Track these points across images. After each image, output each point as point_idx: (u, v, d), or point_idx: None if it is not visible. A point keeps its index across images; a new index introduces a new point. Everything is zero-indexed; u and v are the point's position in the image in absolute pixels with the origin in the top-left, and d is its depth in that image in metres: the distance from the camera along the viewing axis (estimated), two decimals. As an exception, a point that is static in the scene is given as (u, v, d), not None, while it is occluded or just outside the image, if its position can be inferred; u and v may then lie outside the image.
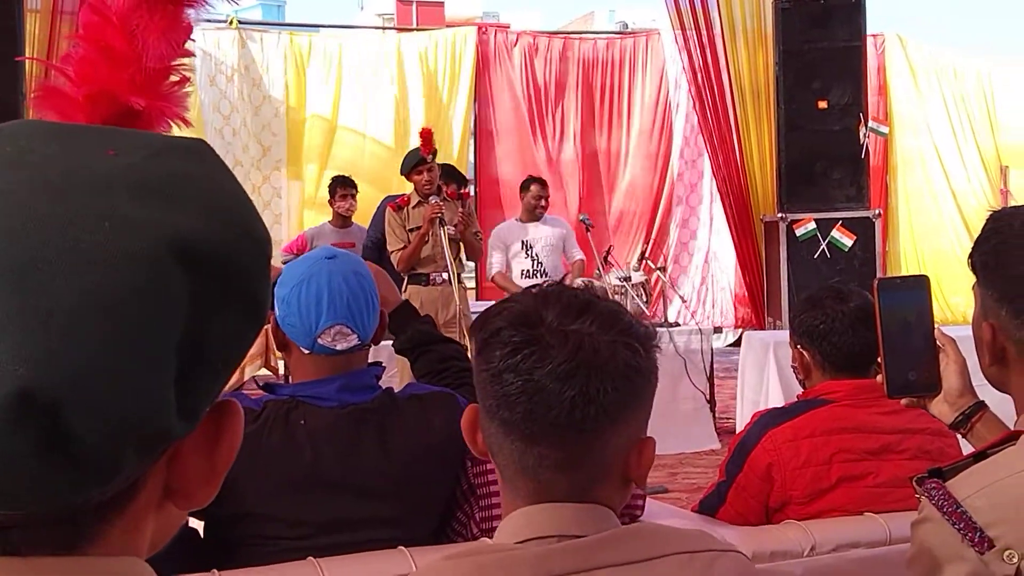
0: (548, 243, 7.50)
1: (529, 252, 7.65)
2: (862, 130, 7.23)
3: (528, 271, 7.61)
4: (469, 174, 10.77)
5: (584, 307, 1.25)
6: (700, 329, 7.25)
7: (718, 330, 10.32)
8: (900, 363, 1.79)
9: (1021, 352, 1.56)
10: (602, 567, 1.20)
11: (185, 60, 2.38)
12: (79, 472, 0.59)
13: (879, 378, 1.79)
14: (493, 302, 1.39)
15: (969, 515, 1.40)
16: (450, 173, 7.14)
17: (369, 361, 2.28)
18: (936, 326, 1.82)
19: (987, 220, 1.61)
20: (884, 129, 7.52)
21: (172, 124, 1.95)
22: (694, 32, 7.88)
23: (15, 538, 0.61)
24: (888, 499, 2.43)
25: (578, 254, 7.80)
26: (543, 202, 7.73)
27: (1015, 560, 1.35)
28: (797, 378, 2.72)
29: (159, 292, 0.60)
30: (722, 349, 10.82)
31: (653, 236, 11.79)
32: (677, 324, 7.59)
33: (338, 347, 2.13)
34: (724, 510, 2.59)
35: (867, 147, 7.29)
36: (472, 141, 11.35)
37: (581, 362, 1.20)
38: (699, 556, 1.26)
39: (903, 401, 1.84)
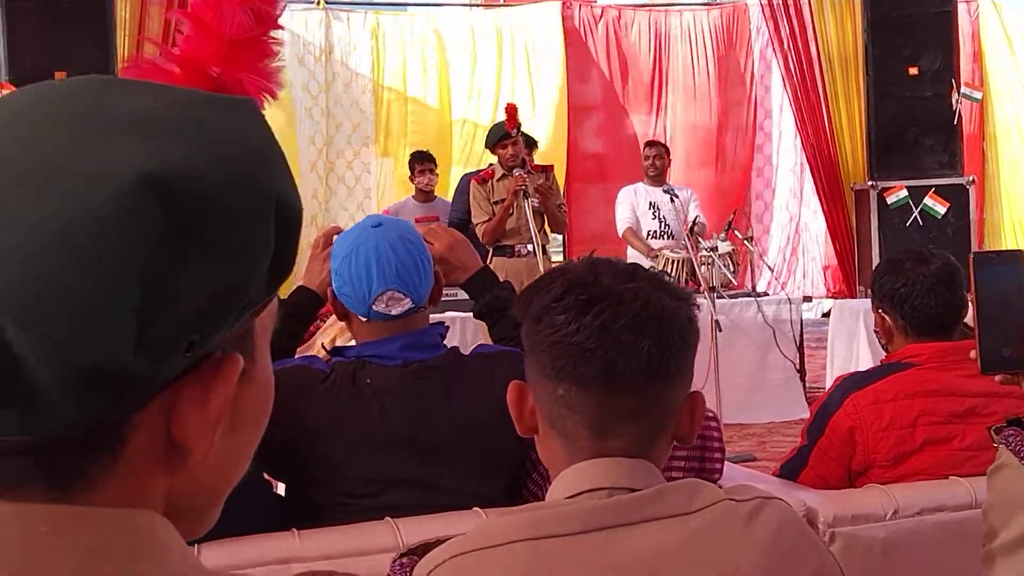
0: (673, 207, 7.49)
1: (656, 214, 7.75)
2: (954, 96, 7.08)
3: (655, 232, 7.74)
4: (562, 150, 10.76)
5: (633, 271, 1.32)
6: (789, 299, 7.17)
7: (807, 299, 10.19)
8: (995, 338, 1.76)
9: None
10: (652, 519, 1.23)
11: (274, 34, 2.42)
12: (32, 406, 0.58)
13: (972, 354, 1.76)
14: None
15: None
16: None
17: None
18: None
19: None
20: (977, 94, 7.35)
21: (262, 98, 1.99)
22: (781, 1, 7.77)
23: None
24: (974, 463, 2.40)
25: (699, 214, 7.83)
26: (656, 162, 7.83)
27: None
28: (880, 343, 2.70)
29: (122, 221, 0.58)
30: (814, 320, 10.69)
31: (742, 208, 11.66)
32: (766, 294, 7.53)
33: (393, 312, 2.17)
34: (805, 474, 2.58)
35: (960, 113, 7.14)
36: (565, 117, 11.26)
37: (651, 315, 1.26)
38: (743, 504, 1.28)
39: (997, 378, 1.81)
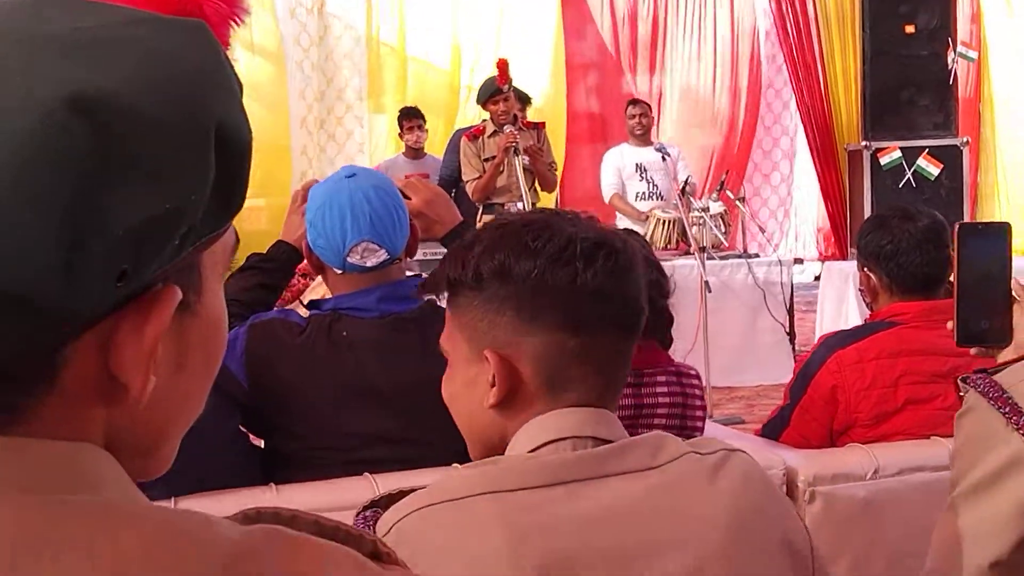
0: (660, 165, 7.43)
1: (644, 175, 7.68)
2: (950, 55, 7.02)
3: (643, 193, 7.67)
4: (560, 108, 10.69)
5: (579, 217, 1.34)
6: (780, 260, 7.12)
7: (799, 262, 10.16)
8: (974, 311, 1.72)
9: None
10: (615, 474, 1.22)
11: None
12: None
13: (949, 324, 1.73)
14: None
15: (1015, 400, 1.41)
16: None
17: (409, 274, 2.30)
18: (1014, 278, 1.76)
19: None
20: (973, 54, 7.29)
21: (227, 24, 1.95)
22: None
23: None
24: (956, 423, 2.38)
25: (689, 174, 7.78)
26: (642, 120, 7.77)
27: None
28: (865, 301, 2.68)
29: (49, 144, 0.56)
30: (806, 283, 10.67)
31: (735, 170, 11.60)
32: (756, 255, 7.49)
33: (368, 263, 2.15)
34: (787, 433, 2.57)
35: (955, 73, 7.08)
36: (563, 76, 11.16)
37: (632, 254, 1.30)
38: (708, 457, 1.28)
39: (972, 350, 1.78)
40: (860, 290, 2.70)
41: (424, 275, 2.51)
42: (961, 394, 1.47)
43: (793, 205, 12.06)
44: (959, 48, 7.09)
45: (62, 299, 0.57)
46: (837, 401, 2.48)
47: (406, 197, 2.36)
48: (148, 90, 0.60)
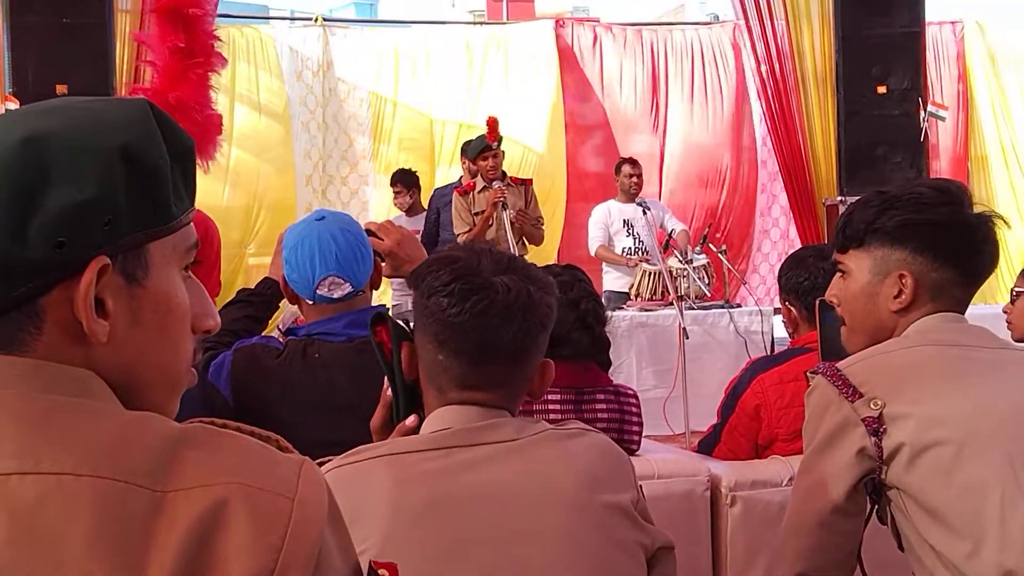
0: (647, 223, 7.78)
1: (631, 231, 8.03)
2: (922, 114, 7.35)
3: (630, 248, 8.02)
4: (561, 167, 10.94)
5: (508, 262, 1.66)
6: (760, 310, 7.42)
7: (779, 311, 10.30)
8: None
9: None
10: (484, 443, 1.56)
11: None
12: None
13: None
14: None
15: (846, 377, 1.78)
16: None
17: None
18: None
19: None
20: (943, 113, 7.57)
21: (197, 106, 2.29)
22: (757, 21, 8.03)
23: None
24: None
25: (679, 226, 8.12)
26: (636, 179, 8.11)
27: (878, 405, 1.73)
28: (788, 331, 2.97)
29: (10, 162, 0.91)
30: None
31: (729, 221, 11.79)
32: (739, 305, 7.78)
33: (335, 295, 2.47)
34: (719, 449, 2.85)
35: (926, 131, 7.40)
36: (562, 136, 11.35)
37: (520, 304, 1.60)
38: (564, 431, 1.63)
39: None
40: (784, 322, 2.99)
41: (387, 306, 2.83)
42: (810, 383, 1.80)
43: (781, 257, 12.22)
44: (930, 108, 7.41)
45: (17, 255, 0.90)
46: (761, 418, 2.77)
47: (379, 239, 2.68)
48: (75, 127, 0.95)
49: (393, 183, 8.42)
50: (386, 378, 1.73)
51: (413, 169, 8.70)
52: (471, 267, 1.61)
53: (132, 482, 0.86)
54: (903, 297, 1.86)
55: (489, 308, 1.58)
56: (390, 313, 2.60)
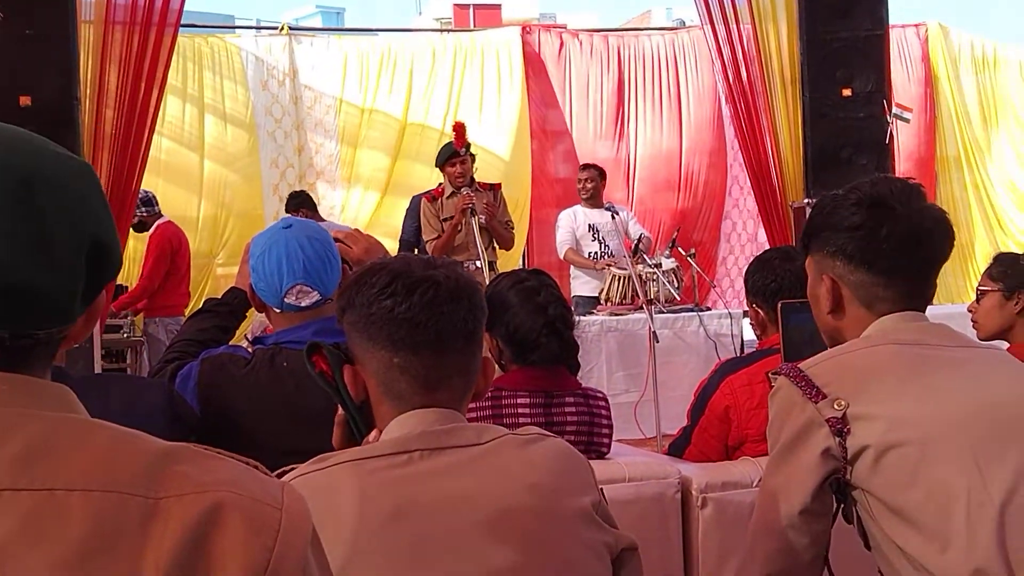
0: (612, 227, 7.81)
1: (597, 236, 8.07)
2: (887, 116, 7.40)
3: (596, 253, 8.06)
4: (527, 174, 10.94)
5: (432, 260, 1.71)
6: (730, 313, 7.45)
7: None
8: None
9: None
10: (448, 447, 1.58)
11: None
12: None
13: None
14: None
15: (809, 377, 1.79)
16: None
17: None
18: None
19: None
20: (907, 115, 7.63)
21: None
22: (722, 24, 8.06)
23: None
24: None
25: (643, 231, 8.16)
26: (588, 184, 8.15)
27: (842, 406, 1.74)
28: (755, 333, 2.98)
29: (16, 202, 0.96)
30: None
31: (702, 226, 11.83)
32: (708, 308, 7.81)
33: (303, 304, 2.45)
34: (689, 451, 2.86)
35: (891, 133, 7.45)
36: (528, 142, 11.32)
37: (461, 287, 1.64)
38: (522, 436, 1.65)
39: None
40: (751, 324, 3.00)
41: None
42: (772, 384, 1.81)
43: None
44: (894, 110, 7.47)
45: (46, 289, 0.97)
46: (730, 420, 2.77)
47: (347, 247, 2.67)
48: (56, 164, 1.02)
49: (295, 207, 8.31)
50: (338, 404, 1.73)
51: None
52: (403, 268, 1.65)
53: (125, 492, 0.91)
54: (830, 301, 1.88)
55: (436, 297, 1.60)
56: None
